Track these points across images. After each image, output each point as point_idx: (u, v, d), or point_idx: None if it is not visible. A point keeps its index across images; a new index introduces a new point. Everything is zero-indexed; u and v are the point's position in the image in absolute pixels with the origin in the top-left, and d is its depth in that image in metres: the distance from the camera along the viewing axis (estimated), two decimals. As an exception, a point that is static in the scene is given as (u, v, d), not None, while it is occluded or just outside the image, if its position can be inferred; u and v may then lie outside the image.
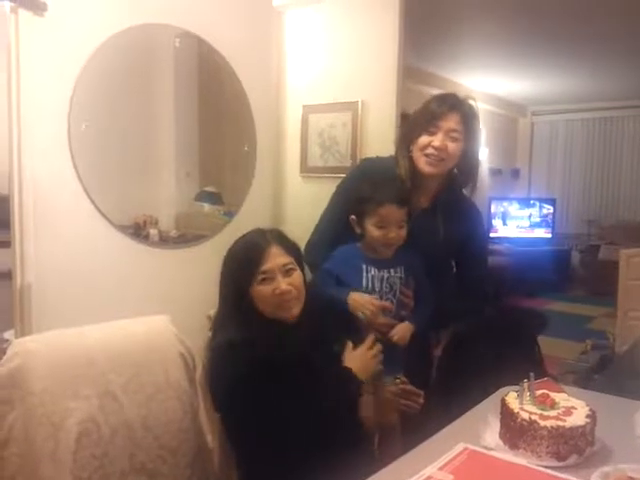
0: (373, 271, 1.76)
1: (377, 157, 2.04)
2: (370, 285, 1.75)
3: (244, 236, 1.55)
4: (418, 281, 1.81)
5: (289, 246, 1.53)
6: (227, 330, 1.45)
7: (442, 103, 1.85)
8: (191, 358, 1.54)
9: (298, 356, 1.43)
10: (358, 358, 1.57)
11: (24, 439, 1.23)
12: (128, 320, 1.54)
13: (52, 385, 1.27)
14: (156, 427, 1.42)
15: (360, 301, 1.70)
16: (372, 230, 1.73)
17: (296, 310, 1.49)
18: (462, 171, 1.91)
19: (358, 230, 1.78)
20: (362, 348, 1.60)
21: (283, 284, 1.45)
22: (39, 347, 1.32)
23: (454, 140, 1.81)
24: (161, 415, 1.43)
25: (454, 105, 1.83)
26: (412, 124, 1.90)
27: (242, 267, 1.47)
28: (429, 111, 1.85)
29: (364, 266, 1.76)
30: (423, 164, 1.83)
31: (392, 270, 1.77)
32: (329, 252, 1.83)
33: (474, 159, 1.90)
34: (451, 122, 1.80)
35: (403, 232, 1.74)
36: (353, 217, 1.78)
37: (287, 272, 1.47)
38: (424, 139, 1.81)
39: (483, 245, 2.07)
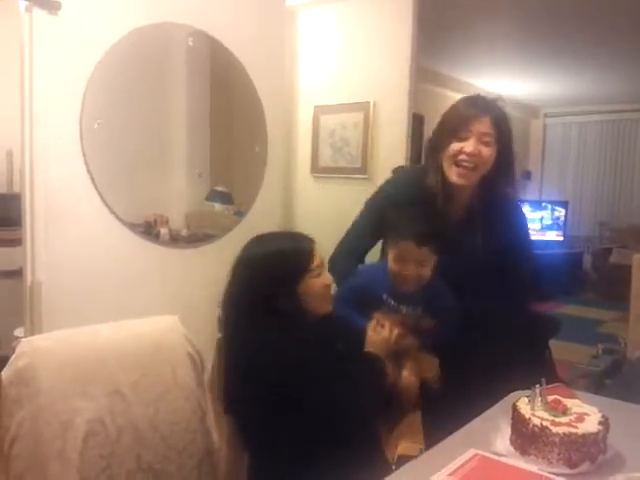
0: (392, 303, 1.69)
1: (410, 168, 1.98)
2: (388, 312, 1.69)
3: (274, 238, 1.58)
4: (439, 318, 1.71)
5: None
6: (257, 334, 1.44)
7: (472, 105, 1.74)
8: (199, 359, 1.54)
9: (326, 351, 1.46)
10: (377, 342, 1.62)
11: (32, 437, 1.23)
12: (137, 320, 1.54)
13: (60, 384, 1.27)
14: (164, 427, 1.41)
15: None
16: (390, 261, 1.66)
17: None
18: (498, 176, 1.78)
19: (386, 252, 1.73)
20: (374, 328, 1.64)
21: (329, 278, 1.54)
22: (48, 346, 1.32)
23: (487, 145, 1.70)
24: (169, 415, 1.43)
25: (485, 107, 1.72)
26: (440, 131, 1.78)
27: (292, 266, 1.49)
28: (458, 115, 1.74)
29: (385, 296, 1.69)
30: (454, 175, 1.72)
31: (412, 307, 1.69)
32: (355, 264, 1.81)
33: (510, 162, 1.79)
34: (483, 125, 1.69)
35: (425, 271, 1.63)
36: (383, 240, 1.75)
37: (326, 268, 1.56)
38: (455, 146, 1.70)
39: (528, 243, 1.95)
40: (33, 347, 1.29)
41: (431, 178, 1.77)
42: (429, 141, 1.86)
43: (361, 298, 1.72)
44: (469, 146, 1.69)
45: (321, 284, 1.51)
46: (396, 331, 1.62)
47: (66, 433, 1.25)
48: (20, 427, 1.23)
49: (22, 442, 1.23)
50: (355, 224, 1.94)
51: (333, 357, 1.48)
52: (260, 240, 1.56)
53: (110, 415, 1.32)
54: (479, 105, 1.74)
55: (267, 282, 1.48)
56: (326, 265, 1.56)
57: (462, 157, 1.71)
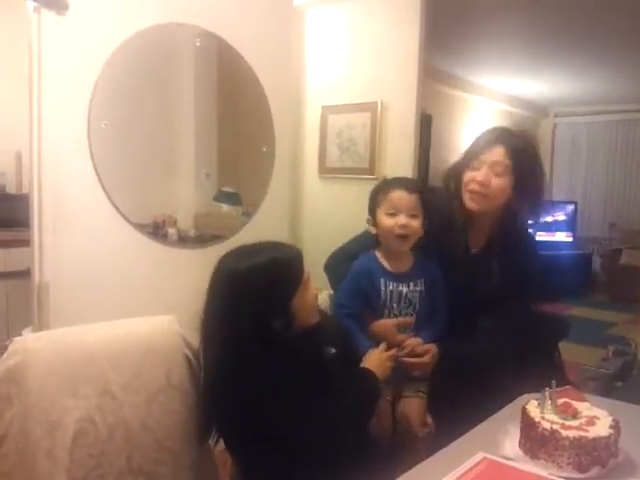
0: (391, 286, 1.71)
1: (435, 188, 2.00)
2: (388, 301, 1.71)
3: (261, 249, 1.45)
4: (436, 294, 1.76)
5: None
6: (235, 347, 1.35)
7: (489, 135, 1.78)
8: (196, 359, 1.50)
9: (315, 362, 1.42)
10: (375, 359, 1.58)
11: (21, 436, 1.22)
12: (132, 319, 1.52)
13: (51, 383, 1.26)
14: (157, 428, 1.39)
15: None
16: (384, 220, 1.69)
17: None
18: (518, 207, 1.78)
19: (374, 230, 1.74)
20: (378, 350, 1.61)
21: (316, 287, 1.48)
22: (39, 345, 1.31)
23: (499, 175, 1.71)
24: (162, 416, 1.41)
25: (499, 137, 1.75)
26: (458, 162, 1.83)
27: (287, 279, 1.40)
28: (475, 145, 1.79)
29: (382, 280, 1.71)
30: (467, 201, 1.76)
31: (411, 284, 1.72)
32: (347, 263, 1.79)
33: (529, 195, 1.76)
34: (495, 155, 1.72)
35: (416, 223, 1.67)
36: (368, 217, 1.75)
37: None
38: (468, 175, 1.75)
39: (531, 283, 1.89)
40: (25, 346, 1.28)
41: (452, 205, 1.80)
42: (448, 169, 1.89)
43: (361, 296, 1.73)
44: (480, 175, 1.72)
45: (312, 295, 1.45)
46: (391, 352, 1.61)
47: (55, 432, 1.24)
48: (9, 425, 1.22)
49: (11, 440, 1.22)
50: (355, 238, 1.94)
51: (320, 369, 1.44)
52: (243, 252, 1.44)
53: (101, 415, 1.31)
54: (496, 135, 1.77)
55: (258, 299, 1.36)
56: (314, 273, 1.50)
57: (473, 186, 1.74)
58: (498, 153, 1.72)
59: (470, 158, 1.77)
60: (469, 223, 1.81)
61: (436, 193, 1.90)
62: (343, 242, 1.96)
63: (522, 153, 1.74)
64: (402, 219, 1.66)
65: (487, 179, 1.71)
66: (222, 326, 1.37)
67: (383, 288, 1.71)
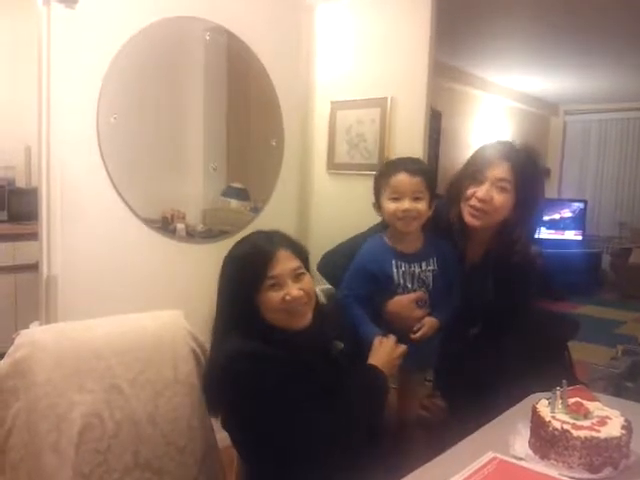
0: (404, 267, 1.68)
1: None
2: (402, 281, 1.68)
3: (246, 239, 1.46)
4: (449, 273, 1.73)
5: (297, 248, 1.43)
6: (230, 342, 1.34)
7: (492, 151, 1.75)
8: (203, 354, 1.50)
9: (313, 362, 1.37)
10: (385, 354, 1.54)
11: (27, 429, 1.22)
12: (139, 314, 1.52)
13: (57, 377, 1.26)
14: (163, 424, 1.39)
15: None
16: (387, 205, 1.65)
17: (308, 317, 1.39)
18: (517, 224, 1.73)
19: (379, 214, 1.72)
20: (388, 344, 1.57)
21: (294, 290, 1.35)
22: (46, 338, 1.31)
23: (502, 191, 1.68)
24: (169, 411, 1.41)
25: (504, 153, 1.71)
26: (461, 173, 1.79)
27: (247, 272, 1.36)
28: (477, 159, 1.76)
29: (394, 261, 1.68)
30: (467, 216, 1.72)
31: (424, 264, 1.69)
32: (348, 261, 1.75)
33: (531, 212, 1.74)
34: (499, 171, 1.68)
35: (421, 205, 1.63)
36: (374, 202, 1.72)
37: (297, 277, 1.38)
38: (470, 190, 1.71)
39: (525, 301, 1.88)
40: (31, 339, 1.29)
41: (452, 216, 1.77)
42: (449, 181, 1.86)
43: (369, 280, 1.69)
44: (481, 191, 1.69)
45: (278, 298, 1.34)
46: (402, 348, 1.58)
47: (61, 426, 1.23)
48: (16, 419, 1.22)
49: (18, 434, 1.22)
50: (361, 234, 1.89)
51: (326, 367, 1.41)
52: (239, 241, 1.47)
53: (108, 410, 1.31)
54: (500, 150, 1.73)
55: (226, 288, 1.40)
56: (295, 273, 1.39)
57: (473, 202, 1.71)
58: (503, 169, 1.69)
59: (474, 171, 1.73)
60: (467, 236, 1.79)
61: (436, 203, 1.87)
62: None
63: (526, 170, 1.70)
64: (405, 204, 1.62)
65: (489, 196, 1.68)
66: (215, 306, 1.41)
67: (395, 269, 1.68)
